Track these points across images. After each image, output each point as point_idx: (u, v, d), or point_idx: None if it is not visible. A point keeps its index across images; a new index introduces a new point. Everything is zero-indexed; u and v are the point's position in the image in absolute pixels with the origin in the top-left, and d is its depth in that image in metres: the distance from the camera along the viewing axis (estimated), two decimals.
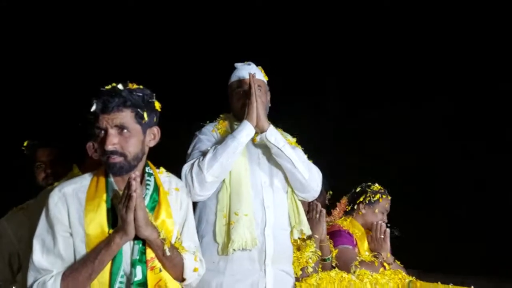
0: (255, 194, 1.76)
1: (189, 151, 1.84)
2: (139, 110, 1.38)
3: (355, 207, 2.41)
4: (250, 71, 1.84)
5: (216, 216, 1.72)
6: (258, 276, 1.67)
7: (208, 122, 2.00)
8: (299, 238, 2.00)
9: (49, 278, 1.27)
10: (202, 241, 1.70)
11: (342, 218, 2.43)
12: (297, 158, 1.80)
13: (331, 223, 2.41)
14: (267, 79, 1.96)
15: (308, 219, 2.04)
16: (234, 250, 1.63)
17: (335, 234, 2.28)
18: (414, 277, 1.96)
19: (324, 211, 2.12)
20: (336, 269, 1.89)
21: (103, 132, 1.35)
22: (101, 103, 1.34)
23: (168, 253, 1.36)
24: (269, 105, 1.98)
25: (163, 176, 1.54)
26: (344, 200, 2.52)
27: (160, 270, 1.38)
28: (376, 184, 2.48)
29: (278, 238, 1.76)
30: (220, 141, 1.78)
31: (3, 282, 1.80)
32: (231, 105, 1.94)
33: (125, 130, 1.35)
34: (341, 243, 2.22)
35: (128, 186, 1.27)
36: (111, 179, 1.40)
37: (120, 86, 1.38)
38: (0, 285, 1.80)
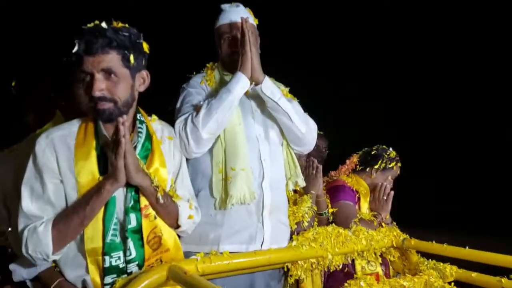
0: (251, 147, 1.69)
1: (178, 106, 1.72)
2: (126, 52, 1.27)
3: (367, 169, 2.36)
4: (241, 14, 1.69)
5: (212, 171, 1.65)
6: (255, 228, 1.65)
7: (194, 73, 1.86)
8: (295, 192, 2.00)
9: (40, 224, 1.23)
10: (198, 195, 1.65)
11: (349, 175, 2.38)
12: (293, 111, 1.72)
13: (335, 177, 2.37)
14: (257, 23, 1.80)
15: (305, 175, 2.01)
16: (232, 205, 1.59)
17: (338, 189, 2.25)
18: (408, 235, 1.97)
19: (320, 167, 2.09)
20: (333, 224, 1.88)
21: (88, 76, 1.25)
22: (84, 43, 1.22)
23: (161, 201, 1.32)
24: (259, 51, 1.82)
25: (155, 124, 1.48)
26: (354, 158, 2.45)
27: (155, 218, 1.35)
28: (391, 150, 2.42)
29: (275, 190, 1.73)
30: (213, 94, 1.68)
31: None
32: (219, 53, 1.80)
33: (113, 75, 1.26)
34: (343, 199, 2.19)
35: (117, 131, 1.20)
36: (101, 125, 1.33)
37: (103, 25, 1.25)
38: None
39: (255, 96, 1.77)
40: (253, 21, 1.78)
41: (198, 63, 1.90)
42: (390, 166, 2.37)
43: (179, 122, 1.60)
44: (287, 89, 1.91)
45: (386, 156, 2.38)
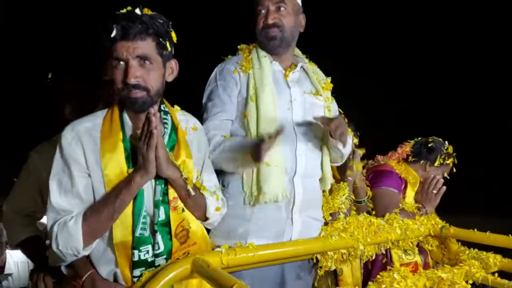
0: (286, 141, 1.57)
1: (204, 100, 1.65)
2: (161, 39, 1.25)
3: (421, 162, 2.23)
4: None
5: None
6: (284, 225, 1.60)
7: (229, 56, 1.73)
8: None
9: (70, 219, 1.23)
10: (228, 187, 1.61)
11: (395, 162, 2.26)
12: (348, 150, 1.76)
13: (382, 162, 2.26)
14: None
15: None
16: (265, 202, 1.53)
17: (384, 174, 2.14)
18: (447, 223, 1.85)
19: (358, 151, 1.96)
20: (365, 213, 1.80)
21: (122, 63, 1.23)
22: (120, 28, 1.20)
23: (192, 193, 1.30)
24: (301, 30, 1.71)
25: (178, 114, 1.45)
26: (407, 147, 2.32)
27: (183, 210, 1.34)
28: (448, 144, 2.28)
29: (307, 186, 1.64)
30: (247, 84, 1.61)
31: (35, 211, 1.83)
32: (255, 28, 1.65)
33: (147, 62, 1.24)
34: (388, 185, 2.08)
35: (148, 122, 1.17)
36: (126, 116, 1.32)
37: (138, 11, 1.24)
38: (33, 213, 1.84)
39: (294, 82, 1.66)
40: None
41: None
42: (447, 162, 2.23)
43: (205, 128, 1.55)
44: (329, 79, 1.80)
45: (445, 151, 2.24)
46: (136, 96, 1.24)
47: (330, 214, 1.79)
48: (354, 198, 1.96)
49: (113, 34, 1.21)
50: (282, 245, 1.42)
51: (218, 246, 1.44)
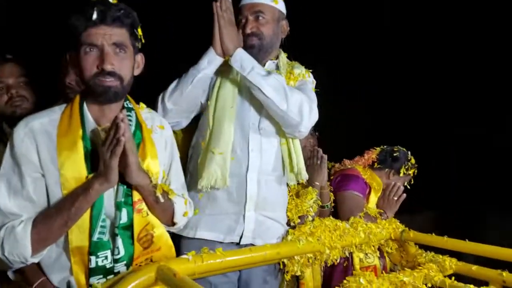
0: (240, 135, 1.60)
1: None
2: (134, 29, 1.19)
3: (386, 170, 2.28)
4: (250, 1, 1.62)
5: (200, 152, 1.60)
6: (236, 220, 1.58)
7: None
8: (298, 184, 1.86)
9: (19, 223, 1.11)
10: (188, 177, 1.60)
11: (361, 167, 2.29)
12: (266, 85, 1.53)
13: (349, 166, 2.28)
14: (278, 1, 1.68)
15: (308, 166, 1.91)
16: (203, 187, 1.52)
17: (350, 178, 2.16)
18: (406, 227, 1.90)
19: (325, 157, 1.98)
20: (331, 217, 1.80)
21: (94, 50, 1.14)
22: (99, 12, 1.12)
23: (161, 200, 1.22)
24: (283, 36, 1.74)
25: (144, 112, 1.36)
26: (373, 154, 2.36)
27: (147, 214, 1.25)
28: (412, 157, 2.36)
29: (264, 183, 1.63)
30: (215, 80, 1.62)
31: None
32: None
33: (122, 50, 1.17)
34: (353, 189, 2.11)
35: (116, 128, 1.07)
36: (87, 111, 1.21)
37: (111, 0, 1.17)
38: None
39: None
40: (270, 1, 1.66)
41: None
42: (409, 172, 2.31)
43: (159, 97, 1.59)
44: (306, 71, 1.77)
45: (408, 162, 2.32)
46: (110, 85, 1.16)
47: (299, 217, 1.77)
48: (320, 203, 1.96)
49: (94, 17, 1.13)
50: (249, 251, 1.37)
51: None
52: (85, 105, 1.21)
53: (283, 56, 1.79)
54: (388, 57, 4.75)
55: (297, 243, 1.51)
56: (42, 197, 1.16)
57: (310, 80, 1.77)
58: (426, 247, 1.83)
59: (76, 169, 1.15)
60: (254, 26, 1.62)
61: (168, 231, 1.34)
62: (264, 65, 1.69)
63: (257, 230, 1.60)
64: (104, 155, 1.10)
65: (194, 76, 1.54)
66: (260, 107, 1.64)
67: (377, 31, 4.69)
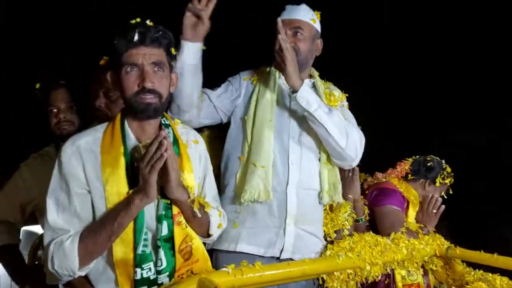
0: (279, 148, 1.61)
1: None
2: (170, 50, 1.26)
3: (421, 180, 2.20)
4: (291, 14, 1.64)
5: (239, 166, 1.61)
6: (276, 234, 1.56)
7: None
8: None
9: (67, 238, 1.16)
10: (225, 190, 1.61)
11: (396, 180, 2.22)
12: (331, 123, 1.56)
13: (383, 180, 2.21)
14: (316, 19, 1.70)
15: (341, 179, 1.88)
16: (245, 200, 1.52)
17: (387, 192, 2.08)
18: (452, 244, 1.81)
19: (357, 169, 1.92)
20: (371, 232, 1.74)
21: (135, 69, 1.20)
22: (139, 33, 1.19)
23: (199, 215, 1.25)
24: (317, 54, 1.75)
25: (179, 127, 1.40)
26: (406, 164, 2.28)
27: (186, 226, 1.27)
28: (447, 166, 2.26)
29: (302, 197, 1.61)
30: (252, 92, 1.65)
31: (14, 222, 1.76)
32: None
33: (160, 69, 1.23)
34: (392, 203, 2.02)
35: (158, 145, 1.11)
36: (128, 128, 1.26)
37: (148, 22, 1.24)
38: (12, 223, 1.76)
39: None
40: (309, 18, 1.68)
41: None
42: (446, 181, 2.22)
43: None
44: (342, 95, 1.79)
45: (443, 171, 2.22)
46: (150, 101, 1.21)
47: (335, 232, 1.74)
48: (355, 216, 1.91)
49: (135, 39, 1.20)
50: (287, 265, 1.35)
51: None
52: (126, 122, 1.27)
53: (316, 74, 1.80)
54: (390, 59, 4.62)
55: (336, 258, 1.47)
56: (88, 212, 1.20)
57: (346, 104, 1.78)
58: (474, 265, 1.73)
59: (119, 184, 1.19)
60: (292, 41, 1.62)
61: (204, 244, 1.35)
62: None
63: (296, 244, 1.58)
64: (143, 170, 1.13)
65: (180, 69, 1.48)
66: (300, 121, 1.65)
67: (377, 33, 4.59)
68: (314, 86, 1.75)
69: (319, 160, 1.69)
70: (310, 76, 1.78)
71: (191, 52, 1.49)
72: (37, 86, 1.78)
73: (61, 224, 1.18)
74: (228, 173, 1.66)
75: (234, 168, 1.63)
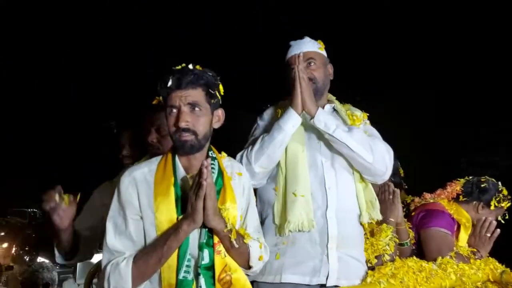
0: (315, 174, 1.62)
1: (249, 137, 1.77)
2: (209, 89, 1.35)
3: (474, 202, 2.08)
4: (300, 48, 1.70)
5: (275, 197, 1.63)
6: (320, 260, 1.54)
7: (269, 106, 1.87)
8: (370, 222, 1.78)
9: (122, 260, 1.27)
10: (264, 222, 1.62)
11: (446, 201, 2.10)
12: (353, 140, 1.59)
13: (431, 200, 2.10)
14: (323, 48, 1.77)
15: (381, 201, 1.83)
16: (290, 231, 1.53)
17: (435, 214, 1.97)
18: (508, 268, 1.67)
19: (398, 191, 1.85)
20: (415, 257, 1.66)
21: (174, 110, 1.33)
22: (175, 79, 1.32)
23: (236, 245, 1.30)
24: (331, 78, 1.80)
25: (225, 160, 1.48)
26: (457, 186, 2.17)
27: (225, 255, 1.32)
28: (504, 188, 2.13)
29: (343, 221, 1.59)
30: (269, 129, 1.67)
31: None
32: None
33: (197, 108, 1.33)
34: (438, 225, 1.91)
35: (200, 174, 1.21)
36: (178, 162, 1.37)
37: (190, 66, 1.36)
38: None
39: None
40: (317, 48, 1.76)
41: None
42: (502, 205, 2.07)
43: (238, 156, 1.64)
44: (365, 115, 1.81)
45: (499, 194, 2.09)
46: (185, 139, 1.31)
47: (376, 257, 1.67)
48: (397, 241, 1.82)
49: (169, 84, 1.32)
50: None
51: (256, 282, 1.47)
52: (176, 156, 1.38)
53: (334, 98, 1.84)
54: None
55: (377, 286, 1.42)
56: (141, 237, 1.31)
57: (368, 122, 1.79)
58: None
59: (168, 212, 1.29)
60: (308, 72, 1.69)
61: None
62: (323, 107, 1.73)
63: (341, 269, 1.55)
64: (191, 198, 1.23)
65: (282, 141, 1.58)
66: (329, 145, 1.66)
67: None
68: (335, 110, 1.79)
69: (354, 180, 1.68)
70: (328, 101, 1.82)
71: (296, 127, 1.61)
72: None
73: (118, 246, 1.30)
74: (266, 205, 1.68)
75: (270, 199, 1.65)
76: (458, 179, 2.21)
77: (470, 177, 2.19)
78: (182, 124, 1.30)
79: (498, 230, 1.89)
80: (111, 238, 1.31)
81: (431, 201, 2.10)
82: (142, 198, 1.32)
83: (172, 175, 1.34)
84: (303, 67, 1.62)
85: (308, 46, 1.74)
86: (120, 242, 1.30)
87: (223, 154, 1.51)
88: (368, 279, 1.49)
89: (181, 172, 1.35)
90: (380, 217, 1.68)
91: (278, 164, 1.65)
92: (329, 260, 1.54)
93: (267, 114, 1.81)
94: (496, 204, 2.06)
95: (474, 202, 2.08)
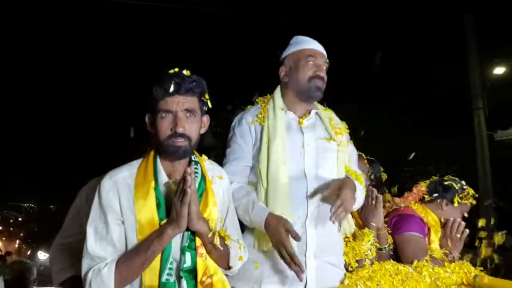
0: (297, 186, 1.58)
1: (226, 150, 1.70)
2: (202, 96, 1.36)
3: (438, 201, 2.08)
4: (315, 45, 1.69)
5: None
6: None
7: (249, 106, 1.78)
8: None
9: (104, 266, 1.25)
10: (245, 231, 1.60)
11: (416, 204, 2.10)
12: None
13: (402, 205, 2.10)
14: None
15: (363, 206, 1.86)
16: (269, 247, 1.51)
17: (407, 218, 1.97)
18: (482, 271, 1.70)
19: (381, 197, 1.85)
20: (391, 260, 1.69)
21: (169, 115, 1.32)
22: (175, 84, 1.31)
23: (220, 248, 1.31)
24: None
25: (206, 163, 1.48)
26: (422, 186, 2.17)
27: (206, 258, 1.33)
28: (469, 187, 2.13)
29: (322, 229, 1.58)
30: (260, 134, 1.65)
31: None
32: (293, 76, 1.69)
33: (192, 115, 1.33)
34: (411, 230, 1.91)
35: (184, 181, 1.22)
36: (160, 165, 1.36)
37: (185, 72, 1.36)
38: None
39: (309, 129, 1.68)
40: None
41: None
42: (465, 201, 2.08)
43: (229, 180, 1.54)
44: (344, 124, 1.79)
45: (462, 191, 2.08)
46: (180, 145, 1.32)
47: (357, 261, 1.67)
48: (378, 246, 1.82)
49: (171, 90, 1.31)
50: None
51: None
52: (158, 160, 1.37)
53: (317, 103, 1.80)
54: None
55: (354, 287, 1.45)
56: (122, 242, 1.30)
57: (349, 138, 1.78)
58: None
59: (149, 215, 1.29)
60: (323, 71, 1.69)
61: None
62: (310, 113, 1.72)
63: (320, 278, 1.55)
64: (176, 204, 1.24)
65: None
66: (314, 155, 1.64)
67: None
68: (319, 117, 1.75)
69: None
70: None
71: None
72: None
73: (99, 252, 1.28)
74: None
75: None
76: (424, 180, 2.21)
77: (435, 177, 2.19)
78: (180, 130, 1.30)
79: (467, 230, 1.91)
80: (92, 243, 1.29)
81: (402, 205, 2.09)
82: (123, 202, 1.31)
83: (152, 179, 1.33)
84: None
85: (321, 47, 1.71)
86: (101, 248, 1.28)
87: (204, 157, 1.50)
88: (346, 282, 1.51)
89: (163, 176, 1.35)
90: (352, 230, 1.70)
91: (259, 176, 1.60)
92: (307, 268, 1.53)
93: (247, 120, 1.71)
94: (460, 200, 2.05)
95: (438, 200, 2.08)
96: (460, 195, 2.07)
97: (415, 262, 1.71)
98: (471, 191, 2.11)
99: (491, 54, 7.32)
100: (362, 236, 1.75)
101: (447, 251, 1.89)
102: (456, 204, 2.06)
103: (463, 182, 2.14)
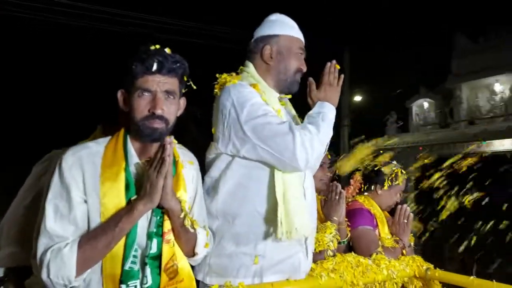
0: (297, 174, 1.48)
1: (255, 113, 1.42)
2: (182, 78, 1.26)
3: (372, 187, 2.11)
4: (301, 35, 1.60)
5: (266, 196, 1.44)
6: (299, 257, 1.48)
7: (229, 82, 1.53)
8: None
9: (65, 245, 1.12)
10: (234, 223, 1.45)
11: (362, 197, 2.11)
12: None
13: (350, 200, 2.10)
14: None
15: (326, 201, 1.86)
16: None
17: (355, 213, 1.99)
18: (432, 265, 1.79)
19: (344, 192, 1.84)
20: (353, 252, 1.72)
21: (147, 94, 1.20)
22: (157, 63, 1.19)
23: (191, 230, 1.23)
24: None
25: (177, 147, 1.38)
26: (358, 177, 2.18)
27: (174, 244, 1.24)
28: (394, 163, 2.14)
29: (314, 214, 1.56)
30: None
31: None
32: (282, 62, 1.54)
33: (171, 96, 1.23)
34: (362, 224, 1.94)
35: (163, 150, 1.11)
36: (130, 146, 1.25)
37: (167, 50, 1.23)
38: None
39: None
40: None
41: None
42: (396, 183, 2.10)
43: (292, 137, 1.38)
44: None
45: (392, 173, 2.10)
46: (157, 127, 1.21)
47: (319, 252, 1.68)
48: (338, 239, 1.82)
49: (154, 68, 1.19)
50: (270, 286, 1.32)
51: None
52: (128, 140, 1.25)
53: None
54: None
55: (319, 279, 1.44)
56: (85, 222, 1.17)
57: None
58: (452, 286, 1.71)
59: (117, 198, 1.17)
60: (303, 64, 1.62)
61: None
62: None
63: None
64: (151, 175, 1.13)
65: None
66: None
67: None
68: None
69: None
70: None
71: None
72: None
73: (59, 231, 1.14)
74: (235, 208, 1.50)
75: (258, 199, 1.49)
76: (358, 169, 2.22)
77: (366, 164, 2.20)
78: (159, 112, 1.20)
79: (412, 215, 1.96)
80: (51, 222, 1.14)
81: (350, 200, 2.10)
82: (87, 180, 1.17)
83: (123, 160, 1.21)
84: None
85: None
86: (62, 227, 1.14)
87: (174, 140, 1.37)
88: (310, 273, 1.50)
89: (133, 157, 1.23)
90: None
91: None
92: (308, 255, 1.49)
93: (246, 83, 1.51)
94: (390, 183, 2.09)
95: (372, 187, 2.11)
96: (390, 178, 2.10)
97: (374, 255, 1.74)
98: (400, 170, 2.12)
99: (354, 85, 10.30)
100: (325, 229, 1.76)
101: (397, 238, 1.93)
102: (386, 187, 2.09)
103: (394, 162, 2.16)
